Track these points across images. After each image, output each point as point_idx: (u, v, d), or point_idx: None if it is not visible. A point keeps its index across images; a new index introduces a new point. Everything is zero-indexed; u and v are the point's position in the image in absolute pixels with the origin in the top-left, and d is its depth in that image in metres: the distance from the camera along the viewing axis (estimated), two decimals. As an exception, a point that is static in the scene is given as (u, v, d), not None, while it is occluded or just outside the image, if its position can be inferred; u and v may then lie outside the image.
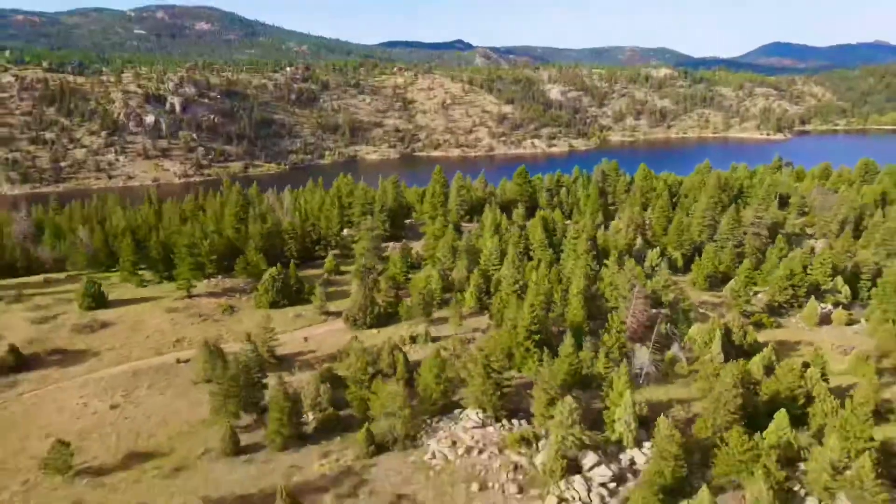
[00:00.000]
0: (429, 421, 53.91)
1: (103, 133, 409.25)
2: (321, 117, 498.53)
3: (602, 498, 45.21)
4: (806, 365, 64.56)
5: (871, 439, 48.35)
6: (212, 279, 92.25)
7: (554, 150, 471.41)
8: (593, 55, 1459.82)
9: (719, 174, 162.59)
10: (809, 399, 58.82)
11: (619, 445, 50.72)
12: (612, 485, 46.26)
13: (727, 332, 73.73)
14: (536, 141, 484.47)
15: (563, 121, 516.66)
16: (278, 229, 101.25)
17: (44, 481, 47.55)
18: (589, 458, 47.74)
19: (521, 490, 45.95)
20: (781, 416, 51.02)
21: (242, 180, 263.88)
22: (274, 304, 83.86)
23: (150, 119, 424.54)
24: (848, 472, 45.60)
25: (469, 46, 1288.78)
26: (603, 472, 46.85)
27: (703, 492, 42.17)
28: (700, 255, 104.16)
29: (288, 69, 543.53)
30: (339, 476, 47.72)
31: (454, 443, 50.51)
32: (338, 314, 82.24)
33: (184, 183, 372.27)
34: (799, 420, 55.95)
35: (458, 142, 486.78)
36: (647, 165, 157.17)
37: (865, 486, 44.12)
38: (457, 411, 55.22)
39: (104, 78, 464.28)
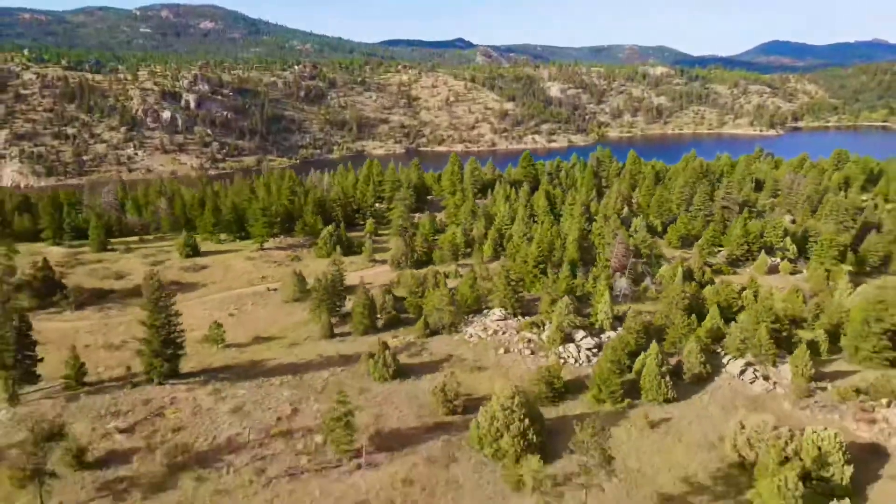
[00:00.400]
0: (466, 317, 76.28)
1: (122, 128, 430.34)
2: (329, 114, 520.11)
3: (588, 357, 67.53)
4: (743, 288, 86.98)
5: (769, 318, 70.55)
6: (276, 237, 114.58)
7: (553, 145, 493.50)
8: (593, 53, 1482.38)
9: (701, 161, 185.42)
10: (742, 310, 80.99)
11: (601, 329, 73.10)
12: (595, 349, 68.55)
13: (689, 272, 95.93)
14: (537, 136, 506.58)
15: (563, 117, 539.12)
16: (326, 199, 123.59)
17: (206, 349, 69.83)
18: (579, 334, 70.13)
19: (532, 353, 68.28)
20: (714, 309, 73.50)
21: (256, 173, 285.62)
22: (329, 255, 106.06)
23: (166, 115, 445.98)
24: (751, 340, 67.95)
25: (470, 45, 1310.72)
26: (588, 342, 69.24)
27: (653, 347, 64.23)
28: (676, 223, 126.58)
29: (296, 67, 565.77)
30: (406, 346, 70.14)
31: (485, 328, 72.93)
32: (382, 262, 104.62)
33: (198, 176, 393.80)
34: (731, 321, 78.07)
35: (461, 137, 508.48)
36: (642, 158, 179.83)
37: (763, 347, 66.45)
38: (486, 311, 77.73)
39: (120, 76, 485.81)
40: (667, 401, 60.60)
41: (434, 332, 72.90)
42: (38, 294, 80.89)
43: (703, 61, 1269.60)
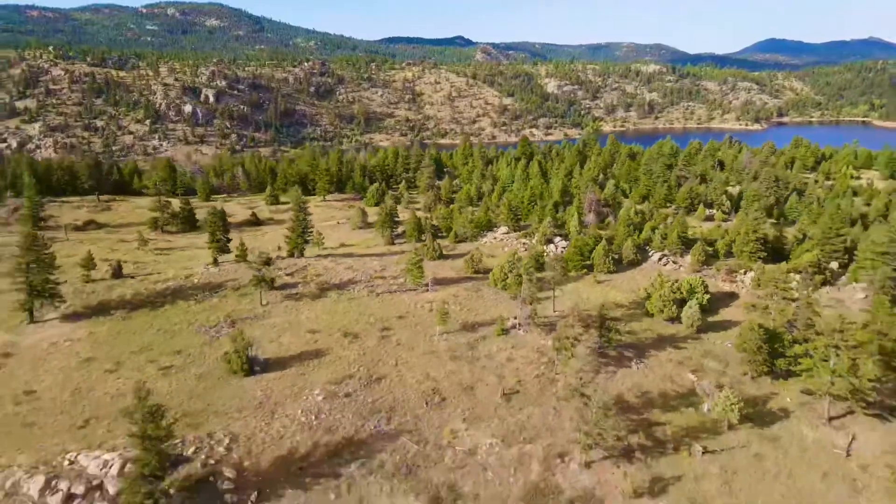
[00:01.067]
0: (481, 232, 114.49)
1: (147, 121, 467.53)
2: (338, 108, 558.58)
3: (562, 251, 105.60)
4: (667, 216, 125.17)
5: (681, 229, 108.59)
6: (331, 194, 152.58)
7: (550, 138, 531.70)
8: (591, 51, 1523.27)
9: (672, 144, 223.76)
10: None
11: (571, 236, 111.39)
12: (566, 247, 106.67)
13: (641, 213, 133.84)
14: (534, 130, 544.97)
15: (559, 112, 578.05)
16: (368, 166, 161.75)
17: (312, 249, 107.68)
18: (557, 239, 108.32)
19: (525, 250, 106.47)
20: (648, 225, 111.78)
21: (275, 160, 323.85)
22: (376, 205, 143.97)
23: (188, 109, 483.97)
24: (667, 241, 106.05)
25: (469, 42, 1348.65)
26: (564, 244, 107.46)
27: (603, 242, 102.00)
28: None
29: (306, 64, 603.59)
30: (444, 247, 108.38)
31: (494, 237, 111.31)
32: (417, 207, 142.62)
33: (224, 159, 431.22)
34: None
35: (462, 130, 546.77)
36: (621, 142, 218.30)
37: (674, 245, 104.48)
38: (495, 228, 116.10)
39: (143, 72, 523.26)
40: (609, 272, 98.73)
41: (461, 241, 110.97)
42: (186, 223, 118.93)
43: (699, 59, 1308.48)
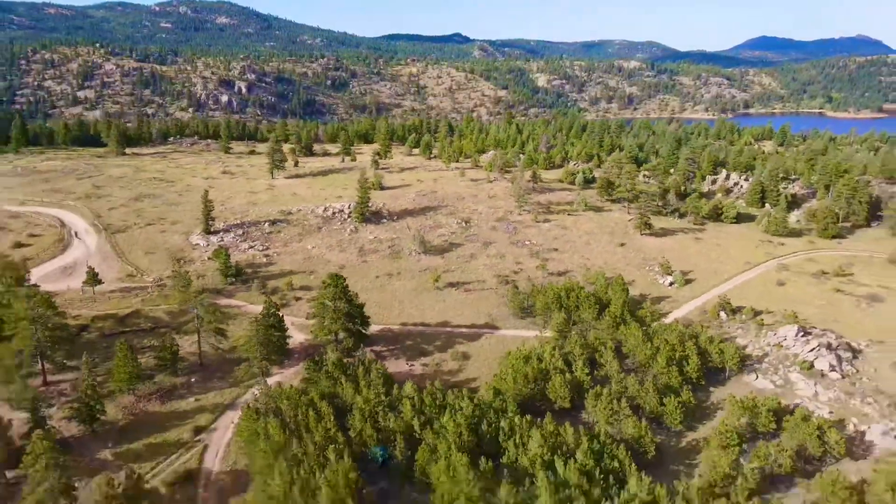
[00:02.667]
0: (481, 154, 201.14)
1: (190, 109, 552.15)
2: (352, 99, 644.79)
3: (522, 158, 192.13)
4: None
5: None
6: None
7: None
8: (585, 48, 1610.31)
9: (618, 121, 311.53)
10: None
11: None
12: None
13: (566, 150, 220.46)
14: (525, 119, 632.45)
15: (548, 103, 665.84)
16: (406, 125, 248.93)
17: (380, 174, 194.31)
18: (521, 156, 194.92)
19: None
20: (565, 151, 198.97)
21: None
22: (416, 146, 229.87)
23: (224, 98, 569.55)
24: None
25: (467, 40, 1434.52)
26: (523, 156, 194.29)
27: (544, 156, 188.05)
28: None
29: (322, 60, 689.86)
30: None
31: (488, 156, 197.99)
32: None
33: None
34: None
35: (462, 119, 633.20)
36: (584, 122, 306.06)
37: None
38: (487, 152, 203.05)
39: (182, 66, 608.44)
40: (546, 169, 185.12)
41: (468, 157, 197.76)
42: (308, 151, 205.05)
43: (688, 56, 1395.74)
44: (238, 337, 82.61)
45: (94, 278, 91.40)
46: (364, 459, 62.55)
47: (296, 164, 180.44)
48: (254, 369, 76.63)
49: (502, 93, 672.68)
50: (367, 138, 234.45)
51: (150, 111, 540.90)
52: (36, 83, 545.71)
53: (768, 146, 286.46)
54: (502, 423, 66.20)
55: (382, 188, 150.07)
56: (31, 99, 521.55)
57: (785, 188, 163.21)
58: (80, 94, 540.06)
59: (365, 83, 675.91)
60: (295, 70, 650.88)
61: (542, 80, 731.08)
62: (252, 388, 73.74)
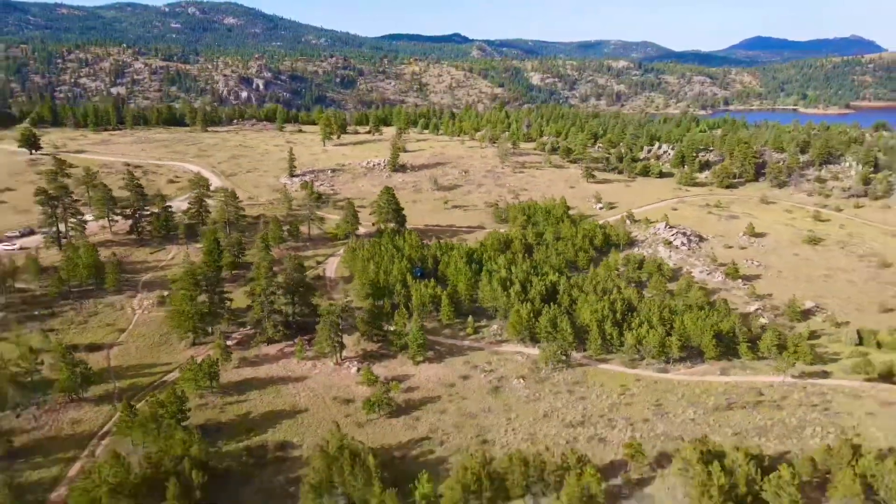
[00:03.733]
0: (476, 132, 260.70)
1: (213, 104, 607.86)
2: (359, 95, 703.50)
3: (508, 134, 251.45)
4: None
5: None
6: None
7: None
8: (581, 48, 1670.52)
9: (596, 112, 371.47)
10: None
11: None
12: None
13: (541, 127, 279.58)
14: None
15: (541, 100, 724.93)
16: (422, 112, 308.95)
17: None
18: (506, 133, 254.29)
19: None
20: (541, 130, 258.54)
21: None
22: (425, 127, 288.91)
23: (244, 94, 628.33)
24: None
25: (466, 40, 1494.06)
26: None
27: (525, 133, 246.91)
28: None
29: (331, 59, 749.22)
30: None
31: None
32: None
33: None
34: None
35: (460, 129, 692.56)
36: (562, 110, 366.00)
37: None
38: (482, 130, 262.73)
39: (203, 65, 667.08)
40: (525, 142, 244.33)
41: (469, 134, 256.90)
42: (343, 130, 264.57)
43: (683, 55, 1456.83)
44: (328, 227, 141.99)
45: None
46: (410, 272, 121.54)
47: (339, 136, 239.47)
48: (342, 237, 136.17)
49: (499, 90, 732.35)
50: (386, 122, 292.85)
51: (176, 106, 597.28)
52: (73, 80, 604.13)
53: (719, 132, 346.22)
54: (483, 255, 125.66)
55: (405, 151, 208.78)
56: (70, 94, 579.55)
57: (702, 155, 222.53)
58: (113, 90, 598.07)
59: (371, 81, 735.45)
60: (307, 69, 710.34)
61: (535, 79, 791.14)
62: (342, 248, 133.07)
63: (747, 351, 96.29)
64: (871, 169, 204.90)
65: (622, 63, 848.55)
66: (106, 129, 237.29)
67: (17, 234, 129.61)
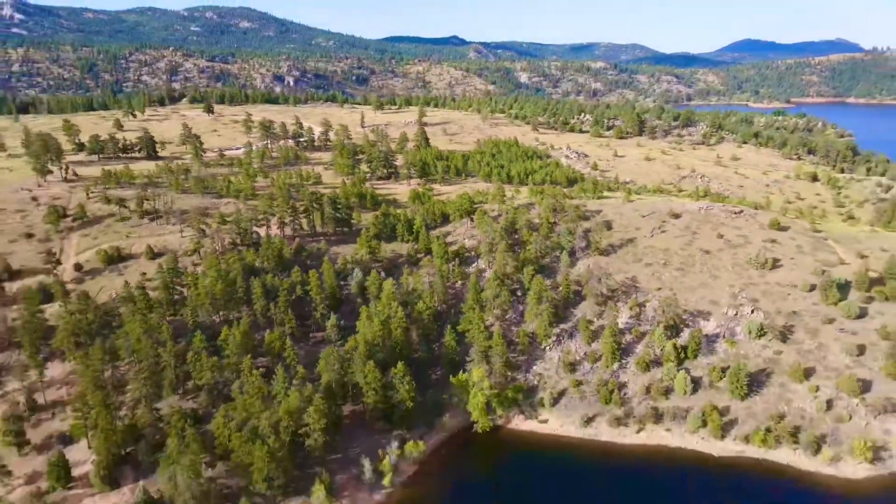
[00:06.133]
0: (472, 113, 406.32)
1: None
2: (372, 91, 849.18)
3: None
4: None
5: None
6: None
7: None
8: (573, 50, 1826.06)
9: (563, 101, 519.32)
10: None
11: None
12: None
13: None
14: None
15: (528, 95, 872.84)
16: (431, 99, 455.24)
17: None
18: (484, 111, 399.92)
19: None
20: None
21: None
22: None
23: (277, 90, 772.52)
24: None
25: (464, 42, 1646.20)
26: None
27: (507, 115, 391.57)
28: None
29: (347, 60, 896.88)
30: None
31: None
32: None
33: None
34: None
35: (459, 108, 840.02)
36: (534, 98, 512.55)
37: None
38: (479, 113, 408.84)
39: (241, 65, 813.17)
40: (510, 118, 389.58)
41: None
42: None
43: (670, 59, 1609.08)
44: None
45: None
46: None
47: (382, 110, 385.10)
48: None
49: (491, 87, 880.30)
50: (409, 102, 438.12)
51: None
52: (136, 77, 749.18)
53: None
54: (470, 158, 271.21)
55: (426, 116, 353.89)
56: (134, 90, 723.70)
57: (610, 121, 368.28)
58: (171, 84, 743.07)
59: (381, 79, 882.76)
60: (327, 68, 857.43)
61: (524, 77, 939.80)
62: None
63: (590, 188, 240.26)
64: (715, 130, 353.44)
65: (600, 64, 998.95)
66: (238, 104, 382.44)
67: (239, 147, 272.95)
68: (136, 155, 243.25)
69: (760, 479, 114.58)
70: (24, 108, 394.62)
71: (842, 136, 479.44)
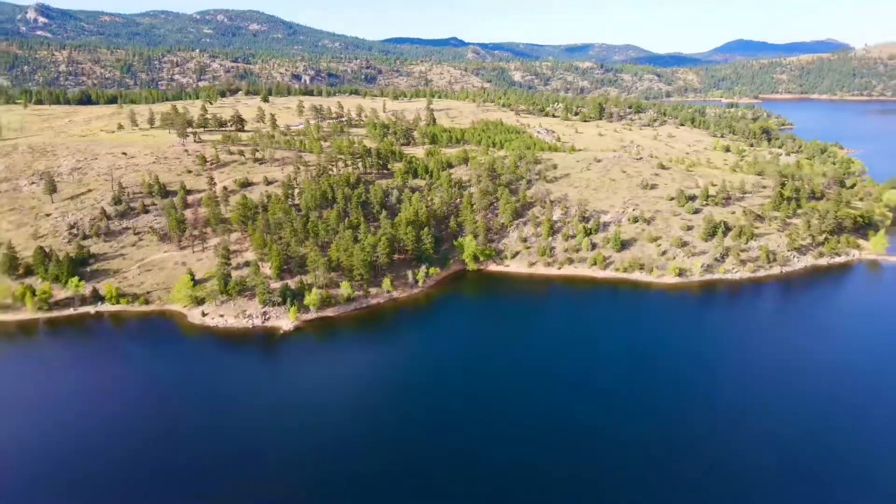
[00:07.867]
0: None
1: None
2: (379, 88, 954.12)
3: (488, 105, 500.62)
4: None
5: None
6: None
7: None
8: (568, 51, 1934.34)
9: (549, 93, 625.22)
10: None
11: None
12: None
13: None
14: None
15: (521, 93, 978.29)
16: (435, 92, 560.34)
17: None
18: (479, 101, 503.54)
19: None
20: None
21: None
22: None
23: (296, 87, 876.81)
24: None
25: (462, 43, 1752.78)
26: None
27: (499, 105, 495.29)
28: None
29: (356, 61, 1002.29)
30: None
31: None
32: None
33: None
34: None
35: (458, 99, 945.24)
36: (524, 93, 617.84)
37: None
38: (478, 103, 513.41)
39: (262, 65, 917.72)
40: (500, 106, 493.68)
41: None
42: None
43: (661, 59, 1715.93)
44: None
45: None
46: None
47: (396, 99, 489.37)
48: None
49: (487, 85, 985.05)
50: (418, 95, 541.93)
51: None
52: (169, 76, 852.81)
53: (588, 98, 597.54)
54: (466, 132, 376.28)
55: (432, 104, 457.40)
56: (168, 87, 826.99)
57: (578, 108, 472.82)
58: (200, 83, 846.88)
59: (388, 78, 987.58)
60: (338, 68, 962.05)
61: (517, 76, 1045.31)
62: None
63: (546, 147, 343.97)
64: (660, 115, 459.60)
65: (588, 64, 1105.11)
66: (282, 96, 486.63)
67: (300, 123, 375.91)
68: (229, 129, 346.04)
69: (623, 288, 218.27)
70: (87, 100, 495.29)
71: (783, 125, 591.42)
